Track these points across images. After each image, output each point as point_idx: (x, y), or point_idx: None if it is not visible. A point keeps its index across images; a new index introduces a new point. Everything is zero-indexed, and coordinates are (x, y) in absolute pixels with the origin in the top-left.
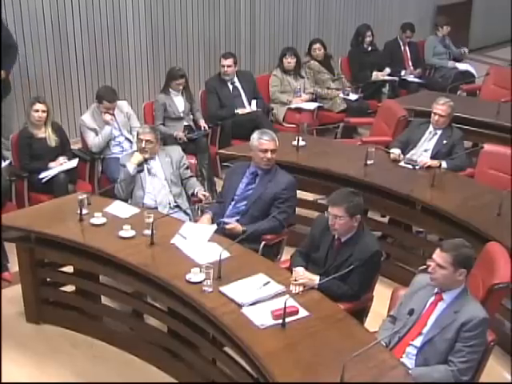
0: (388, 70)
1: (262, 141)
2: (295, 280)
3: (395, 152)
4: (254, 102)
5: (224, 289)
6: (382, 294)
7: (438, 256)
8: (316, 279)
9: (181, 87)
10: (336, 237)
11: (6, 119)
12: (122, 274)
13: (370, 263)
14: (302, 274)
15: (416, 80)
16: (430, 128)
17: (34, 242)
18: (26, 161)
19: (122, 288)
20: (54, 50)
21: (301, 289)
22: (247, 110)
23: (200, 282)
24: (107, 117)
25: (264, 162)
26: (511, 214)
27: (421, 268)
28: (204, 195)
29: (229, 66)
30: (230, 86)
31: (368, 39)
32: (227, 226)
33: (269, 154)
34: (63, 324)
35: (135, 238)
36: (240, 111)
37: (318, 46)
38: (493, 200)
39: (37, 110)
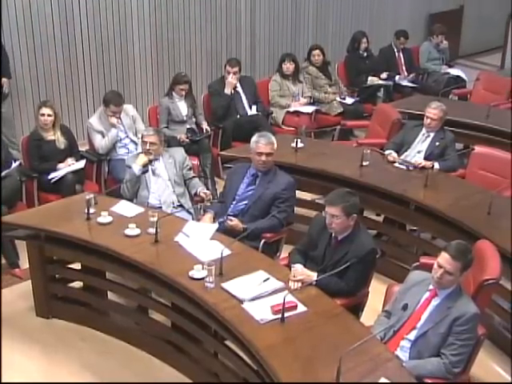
0: (385, 74)
1: (258, 144)
2: (294, 276)
3: (391, 153)
4: (254, 107)
5: (225, 285)
6: (377, 289)
7: (449, 264)
8: (314, 276)
9: (183, 92)
10: (333, 235)
11: (9, 121)
12: (127, 270)
13: (366, 260)
14: (300, 270)
15: (410, 84)
16: (424, 130)
17: (43, 240)
18: (35, 162)
19: (128, 284)
20: (63, 57)
21: (299, 285)
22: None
23: (202, 279)
24: (113, 120)
25: (260, 164)
26: (511, 216)
27: (414, 265)
28: (205, 193)
29: (235, 73)
30: (232, 90)
31: (363, 45)
32: (229, 222)
33: (263, 157)
34: (71, 318)
35: (140, 236)
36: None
37: (317, 52)
38: (483, 200)
39: (43, 114)
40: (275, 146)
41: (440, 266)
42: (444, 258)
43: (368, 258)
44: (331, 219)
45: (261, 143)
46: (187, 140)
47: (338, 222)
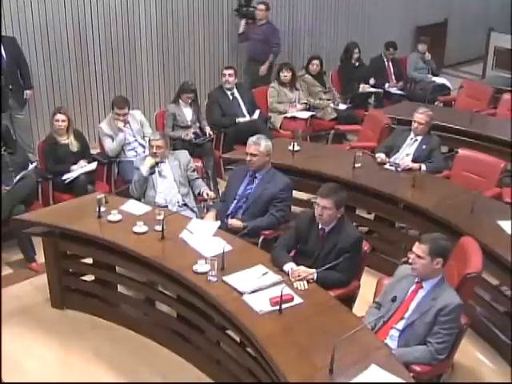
0: (372, 80)
1: (247, 145)
2: (298, 276)
3: (381, 156)
4: (257, 111)
5: (227, 278)
6: (368, 283)
7: (417, 248)
8: (313, 272)
9: (189, 100)
10: (320, 227)
11: (26, 127)
12: (136, 265)
13: (356, 249)
14: (302, 269)
15: (398, 92)
16: (412, 135)
17: (57, 237)
18: (50, 164)
19: (136, 278)
20: (76, 67)
21: (305, 284)
22: (247, 118)
23: (205, 273)
24: (120, 124)
25: (247, 162)
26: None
27: (403, 260)
28: (207, 194)
29: (230, 75)
30: (230, 97)
31: (355, 55)
32: (230, 221)
33: (248, 157)
34: (84, 309)
35: (148, 233)
36: (241, 119)
37: (316, 62)
38: (466, 199)
39: (57, 120)
40: (261, 147)
41: (413, 253)
42: (415, 244)
43: (357, 246)
44: (322, 210)
45: (248, 144)
46: (191, 135)
47: (329, 213)
